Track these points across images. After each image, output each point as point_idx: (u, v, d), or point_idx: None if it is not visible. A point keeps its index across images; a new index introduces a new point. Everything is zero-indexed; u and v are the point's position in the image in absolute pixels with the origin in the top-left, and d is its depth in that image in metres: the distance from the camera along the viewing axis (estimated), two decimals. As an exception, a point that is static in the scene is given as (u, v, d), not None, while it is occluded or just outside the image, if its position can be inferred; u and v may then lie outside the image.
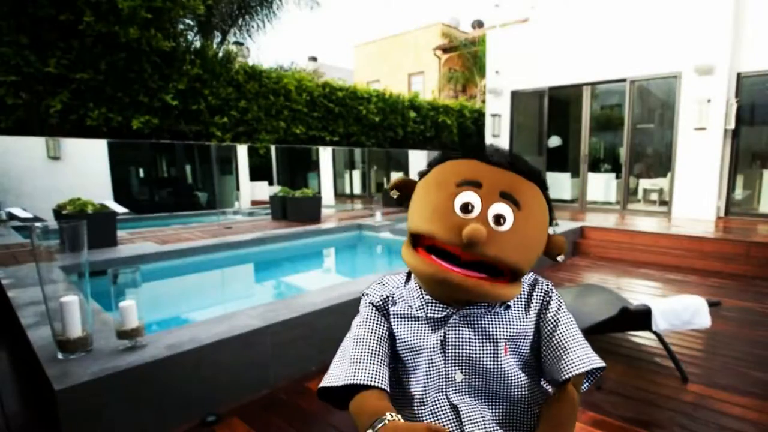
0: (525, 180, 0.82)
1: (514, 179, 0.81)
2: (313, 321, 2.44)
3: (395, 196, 0.90)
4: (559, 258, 0.86)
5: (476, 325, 0.84)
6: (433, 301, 0.85)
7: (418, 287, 0.88)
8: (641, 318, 2.30)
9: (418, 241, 0.82)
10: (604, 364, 0.84)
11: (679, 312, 2.29)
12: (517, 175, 0.82)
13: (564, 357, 0.83)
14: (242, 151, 8.26)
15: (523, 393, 0.85)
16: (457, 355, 0.83)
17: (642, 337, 2.84)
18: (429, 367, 0.83)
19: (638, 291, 4.09)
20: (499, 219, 0.76)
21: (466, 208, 0.77)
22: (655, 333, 2.38)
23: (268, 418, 2.00)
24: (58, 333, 1.84)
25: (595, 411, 2.01)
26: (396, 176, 0.97)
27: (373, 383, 0.78)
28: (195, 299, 4.23)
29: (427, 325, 0.86)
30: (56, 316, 1.85)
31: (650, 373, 2.40)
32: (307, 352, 2.41)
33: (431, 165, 0.88)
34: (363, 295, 0.95)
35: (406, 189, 0.89)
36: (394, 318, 0.89)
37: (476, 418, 0.81)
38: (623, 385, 2.26)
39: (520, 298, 0.89)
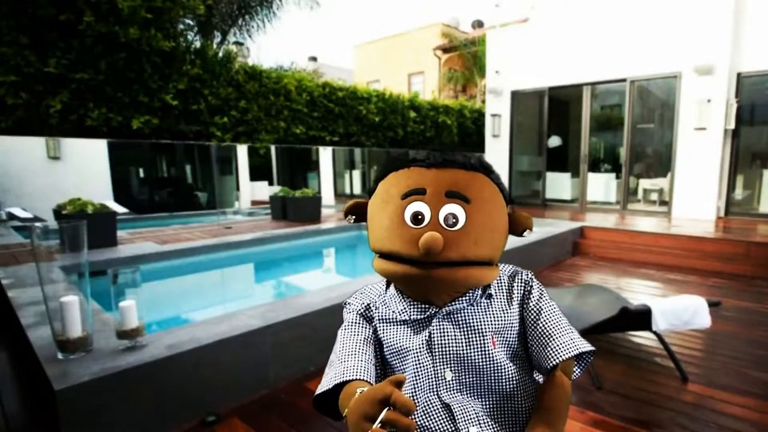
0: (467, 172, 0.82)
1: (457, 175, 0.80)
2: (313, 321, 2.44)
3: (351, 222, 0.91)
4: (526, 233, 0.86)
5: (461, 322, 0.84)
6: (415, 302, 0.85)
7: (398, 292, 0.89)
8: (641, 318, 2.30)
9: (385, 257, 0.83)
10: (592, 348, 0.84)
11: (679, 312, 2.29)
12: (459, 169, 0.81)
13: (550, 344, 0.83)
14: (242, 151, 8.26)
15: (515, 385, 0.85)
16: (444, 353, 0.83)
17: (642, 337, 2.84)
18: (417, 368, 0.84)
19: (638, 291, 4.09)
20: (450, 220, 0.76)
21: (416, 218, 0.77)
22: (655, 333, 2.38)
23: (268, 418, 2.00)
24: (58, 333, 1.84)
25: (595, 411, 2.01)
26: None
27: (359, 377, 0.78)
28: (195, 299, 4.23)
29: (411, 327, 0.86)
30: (56, 316, 1.85)
31: (650, 373, 2.40)
32: (307, 352, 2.41)
33: (377, 181, 0.88)
34: (344, 304, 0.96)
35: (360, 211, 0.90)
36: (379, 323, 0.89)
37: (470, 415, 0.81)
38: (623, 385, 2.26)
39: (502, 288, 0.89)
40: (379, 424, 0.57)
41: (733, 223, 6.33)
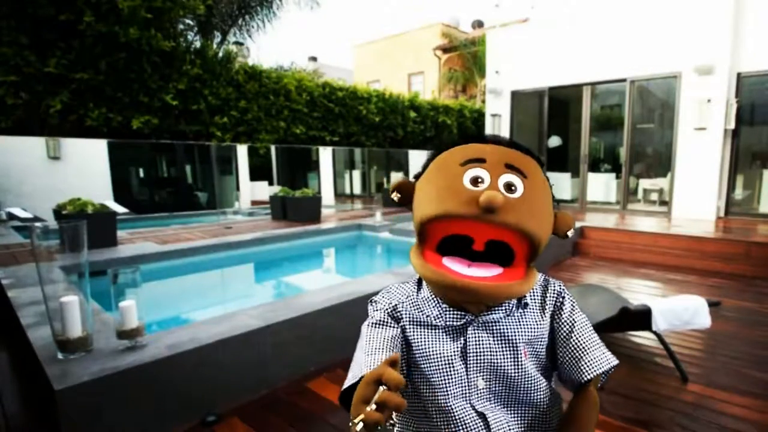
0: (525, 155, 0.83)
1: (516, 154, 0.82)
2: (313, 321, 2.44)
3: (396, 198, 0.89)
4: (570, 233, 0.85)
5: (496, 331, 0.83)
6: (451, 308, 0.84)
7: (433, 296, 0.87)
8: (641, 318, 2.30)
9: (425, 238, 0.80)
10: (618, 362, 0.86)
11: (679, 312, 2.29)
12: (516, 150, 0.83)
13: (584, 358, 0.83)
14: (242, 151, 8.26)
15: (543, 396, 0.85)
16: (478, 362, 0.83)
17: (642, 337, 2.84)
18: (450, 375, 0.83)
19: (638, 291, 4.09)
20: (510, 187, 0.75)
21: (475, 181, 0.76)
22: (655, 333, 2.38)
23: (268, 418, 2.00)
24: (58, 333, 1.84)
25: (595, 411, 2.01)
26: (396, 177, 0.93)
27: None
28: (195, 299, 4.23)
29: (446, 334, 0.85)
30: (56, 316, 1.85)
31: (650, 373, 2.40)
32: (307, 352, 2.41)
33: (426, 164, 0.88)
34: (371, 302, 0.94)
35: (407, 190, 0.88)
36: (409, 325, 0.87)
37: (502, 425, 0.81)
38: (623, 385, 2.26)
39: (535, 299, 0.89)
40: (374, 405, 0.56)
41: (733, 223, 6.32)
